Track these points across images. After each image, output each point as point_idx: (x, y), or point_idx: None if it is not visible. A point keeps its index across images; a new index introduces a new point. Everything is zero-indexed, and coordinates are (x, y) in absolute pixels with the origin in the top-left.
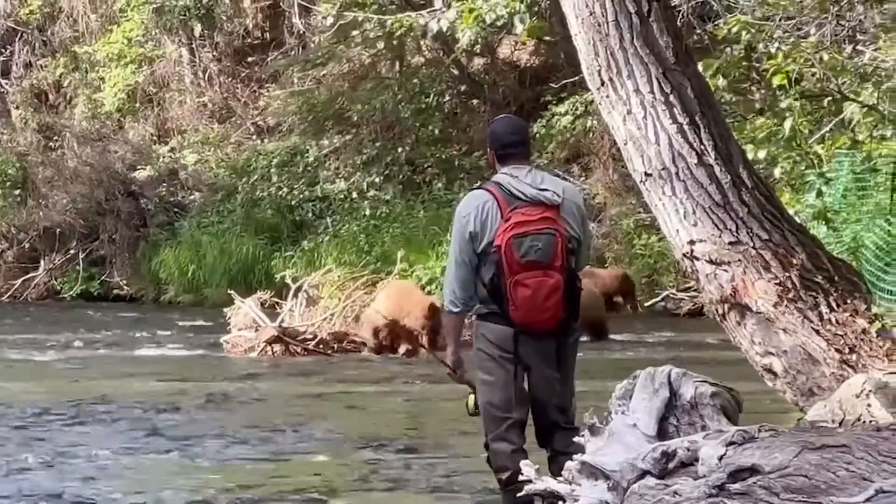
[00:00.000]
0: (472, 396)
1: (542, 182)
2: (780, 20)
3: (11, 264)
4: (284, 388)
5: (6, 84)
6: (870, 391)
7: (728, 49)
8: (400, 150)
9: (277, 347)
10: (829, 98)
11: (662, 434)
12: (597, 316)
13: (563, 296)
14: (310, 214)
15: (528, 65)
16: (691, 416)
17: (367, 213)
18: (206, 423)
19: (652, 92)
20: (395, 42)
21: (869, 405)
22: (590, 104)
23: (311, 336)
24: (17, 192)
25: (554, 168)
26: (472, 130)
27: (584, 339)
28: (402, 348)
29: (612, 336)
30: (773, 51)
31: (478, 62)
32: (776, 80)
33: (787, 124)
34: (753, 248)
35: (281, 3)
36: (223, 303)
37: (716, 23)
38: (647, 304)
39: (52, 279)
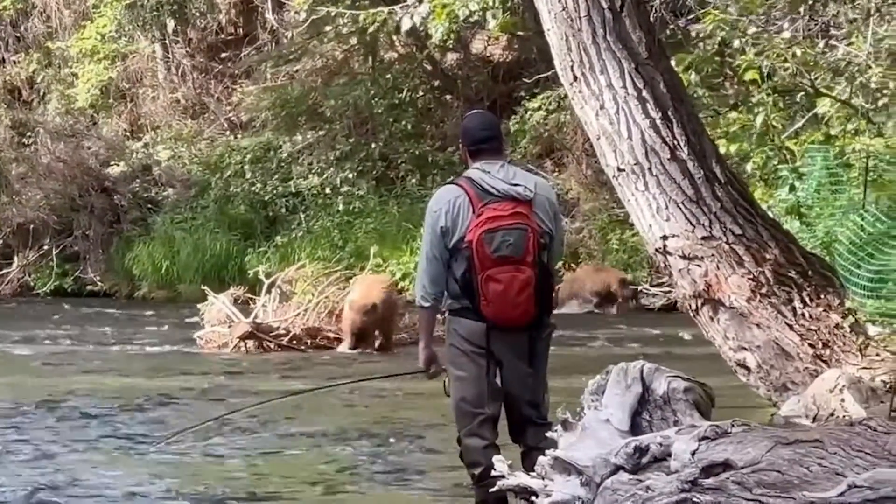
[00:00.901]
0: (447, 379)
1: (514, 177)
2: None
3: None
4: (258, 383)
5: None
6: (843, 386)
7: (701, 44)
8: (373, 145)
9: (251, 343)
10: (802, 93)
11: (635, 429)
12: None
13: (535, 291)
14: (283, 210)
15: (500, 60)
16: (664, 412)
17: (341, 208)
18: (179, 419)
19: (625, 87)
20: (368, 37)
21: (842, 400)
22: (563, 99)
23: (284, 332)
24: None
25: (526, 163)
26: (446, 126)
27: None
28: (376, 343)
29: (584, 332)
30: (745, 47)
31: (451, 57)
32: (748, 76)
33: (760, 119)
34: (726, 243)
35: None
36: (196, 299)
37: (689, 18)
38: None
39: (25, 275)
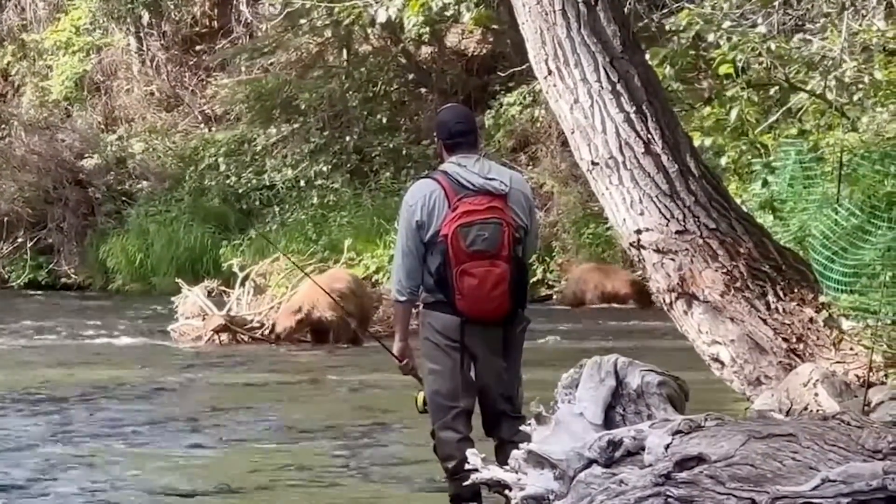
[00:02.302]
0: (421, 394)
1: (489, 171)
2: (727, 10)
3: None
4: (231, 376)
5: None
6: (817, 381)
7: (676, 38)
8: (348, 138)
9: (224, 336)
10: (776, 87)
11: (609, 423)
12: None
13: (510, 285)
14: (257, 203)
15: (475, 53)
16: (637, 405)
17: (315, 201)
18: (152, 411)
19: (599, 81)
20: (342, 30)
21: (816, 394)
22: (538, 93)
23: (258, 325)
24: None
25: (501, 157)
26: (420, 119)
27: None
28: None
29: (557, 325)
30: (720, 41)
31: (425, 51)
32: (723, 70)
33: (734, 113)
34: (700, 237)
35: None
36: (171, 291)
37: (663, 12)
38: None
39: None
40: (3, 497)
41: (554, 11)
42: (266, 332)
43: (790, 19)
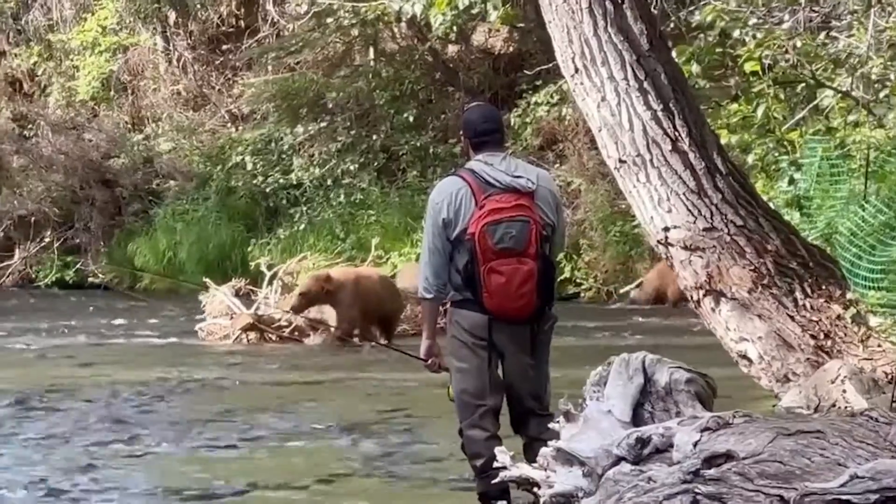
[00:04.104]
0: (450, 387)
1: (516, 169)
2: (753, 7)
3: None
4: (260, 375)
5: None
6: (845, 377)
7: (702, 36)
8: (375, 137)
9: (252, 335)
10: (803, 84)
11: (637, 420)
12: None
13: (538, 283)
14: (284, 202)
15: (501, 52)
16: (666, 403)
17: (342, 200)
18: (182, 411)
19: (626, 79)
20: (369, 29)
21: (844, 391)
22: (565, 92)
23: (286, 323)
24: None
25: (528, 155)
26: (447, 118)
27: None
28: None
29: (585, 323)
30: (746, 38)
31: (452, 49)
32: (749, 67)
33: (761, 111)
34: (728, 234)
35: None
36: (198, 290)
37: (690, 9)
38: (621, 291)
39: (26, 267)
40: (28, 493)
41: (581, 10)
42: (293, 331)
43: (816, 16)
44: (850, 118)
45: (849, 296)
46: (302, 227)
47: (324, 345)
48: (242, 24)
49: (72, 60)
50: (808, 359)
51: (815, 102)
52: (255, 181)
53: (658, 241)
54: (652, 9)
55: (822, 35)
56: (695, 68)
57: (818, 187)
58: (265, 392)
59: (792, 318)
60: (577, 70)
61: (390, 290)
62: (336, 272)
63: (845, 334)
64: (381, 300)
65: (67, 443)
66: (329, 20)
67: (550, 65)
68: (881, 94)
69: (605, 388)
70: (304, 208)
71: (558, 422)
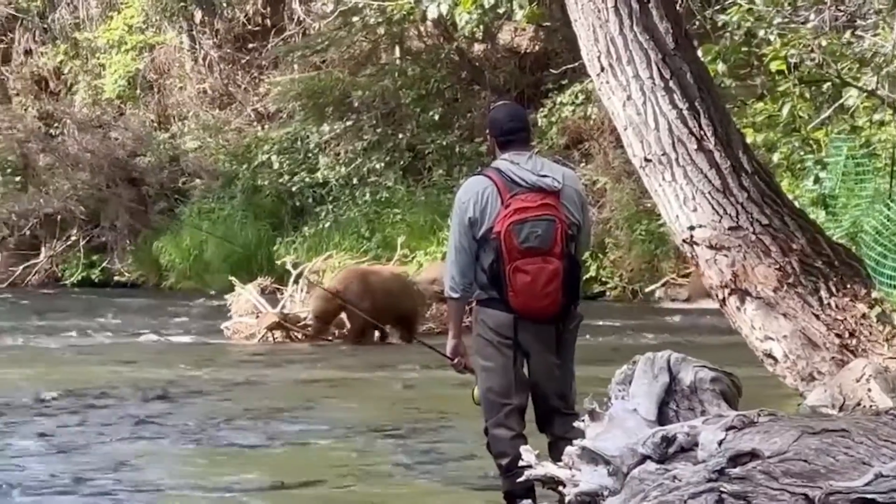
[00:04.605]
0: (476, 388)
1: (542, 168)
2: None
3: (12, 251)
4: (285, 374)
5: (6, 71)
6: (870, 376)
7: (728, 34)
8: (401, 135)
9: (278, 333)
10: (828, 83)
11: (662, 419)
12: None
13: (563, 282)
14: (310, 200)
15: (527, 51)
16: (691, 401)
17: (368, 198)
18: (207, 409)
19: (651, 77)
20: (395, 28)
21: (869, 390)
22: (590, 91)
23: (310, 322)
24: (17, 178)
25: (554, 154)
26: (473, 116)
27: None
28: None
29: (610, 322)
30: (771, 37)
31: (478, 48)
32: (774, 66)
33: (786, 110)
34: (753, 233)
35: None
36: (224, 289)
37: (716, 8)
38: (647, 290)
39: (53, 266)
40: (59, 490)
41: (607, 8)
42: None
43: (842, 15)
44: (876, 117)
45: (874, 295)
46: (328, 225)
47: (349, 343)
48: (268, 22)
49: (98, 59)
50: (833, 357)
51: (840, 101)
52: (280, 180)
53: (683, 240)
54: (678, 7)
55: (848, 34)
56: (720, 67)
57: (843, 186)
58: (291, 390)
59: (817, 316)
60: (602, 69)
61: (405, 288)
62: (339, 280)
63: (870, 333)
64: (392, 296)
65: (96, 441)
66: (355, 19)
67: (576, 63)
68: None
69: (630, 387)
70: (330, 207)
71: (583, 420)
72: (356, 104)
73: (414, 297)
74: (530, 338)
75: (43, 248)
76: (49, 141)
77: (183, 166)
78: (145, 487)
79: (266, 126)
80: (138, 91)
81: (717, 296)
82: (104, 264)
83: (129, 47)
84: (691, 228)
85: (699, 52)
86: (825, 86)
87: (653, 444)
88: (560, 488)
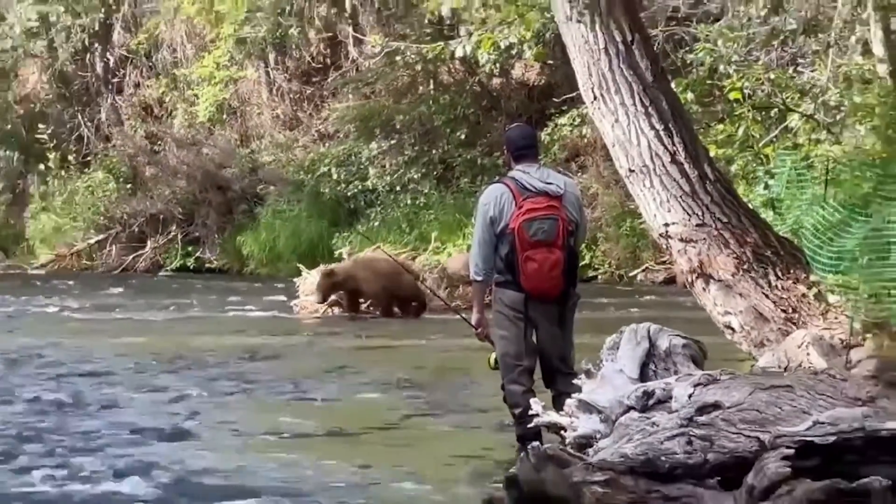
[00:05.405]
0: (492, 355)
1: (547, 177)
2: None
3: (124, 243)
4: (341, 341)
5: (119, 100)
6: (809, 343)
7: (695, 70)
8: (434, 151)
9: (336, 309)
10: (776, 109)
11: (643, 377)
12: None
13: (564, 268)
14: (362, 203)
15: (535, 83)
16: (666, 363)
17: (408, 202)
18: (280, 369)
19: (634, 105)
20: (429, 65)
21: (808, 354)
22: (585, 115)
23: (364, 300)
24: (128, 185)
25: (556, 166)
26: (492, 136)
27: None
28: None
29: (602, 300)
30: (730, 72)
31: (495, 81)
32: (733, 95)
33: (742, 130)
34: (715, 229)
35: (339, 35)
36: (293, 274)
37: (685, 49)
38: (630, 275)
39: (156, 255)
40: (164, 433)
41: (598, 50)
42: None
43: (786, 55)
44: (814, 136)
45: (812, 278)
46: (376, 223)
47: (394, 317)
48: (328, 61)
49: (192, 90)
50: (779, 328)
51: (785, 124)
52: (338, 187)
53: (660, 235)
54: (655, 49)
55: (791, 70)
56: (689, 96)
57: (787, 192)
58: (346, 354)
59: (767, 296)
60: (595, 97)
61: (401, 272)
62: (339, 266)
63: (809, 309)
64: (394, 278)
65: (192, 394)
66: (397, 58)
67: (574, 93)
68: (838, 118)
69: (617, 352)
70: (378, 208)
71: (580, 379)
72: (398, 126)
73: (410, 279)
74: (538, 313)
75: (148, 241)
76: (153, 156)
77: (260, 176)
78: (232, 430)
79: (326, 144)
80: (225, 116)
81: (686, 279)
82: (197, 254)
83: (218, 80)
84: (666, 225)
85: (672, 85)
86: (773, 111)
87: (636, 398)
88: (562, 432)
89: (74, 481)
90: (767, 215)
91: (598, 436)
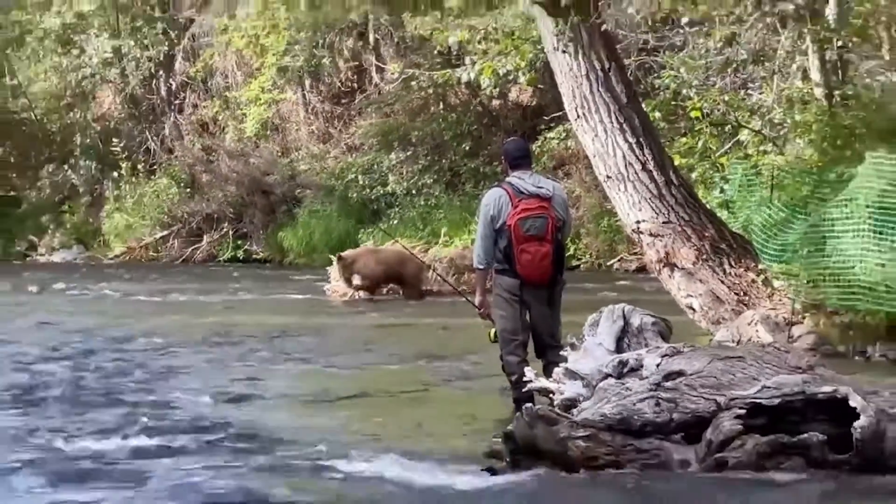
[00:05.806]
0: (492, 330)
1: (539, 182)
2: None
3: (184, 238)
4: (366, 320)
5: (181, 119)
6: (758, 321)
7: (662, 93)
8: (444, 161)
9: (363, 293)
10: (729, 125)
11: (619, 349)
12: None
13: (553, 259)
14: (384, 205)
15: (528, 104)
16: (638, 338)
17: (422, 204)
18: (314, 343)
19: (612, 122)
20: (439, 89)
21: (757, 331)
22: (569, 130)
23: (385, 285)
24: (188, 190)
25: (546, 173)
26: (492, 148)
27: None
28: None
29: (584, 285)
30: (691, 94)
31: (495, 102)
32: (693, 114)
33: (701, 143)
34: (679, 225)
35: (363, 64)
36: (326, 263)
37: (654, 76)
38: (608, 264)
39: (211, 248)
40: (212, 398)
41: (581, 75)
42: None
43: (738, 80)
44: (761, 148)
45: (760, 267)
46: (395, 221)
47: (413, 299)
48: (355, 85)
49: (241, 110)
50: (733, 309)
51: (737, 138)
52: (363, 191)
53: (632, 230)
54: (628, 75)
55: (742, 92)
56: (657, 114)
57: (739, 194)
58: (370, 331)
59: (722, 281)
60: (578, 116)
61: (402, 259)
62: (348, 252)
63: (758, 292)
64: (394, 266)
65: (237, 365)
66: (413, 83)
67: (560, 112)
68: (781, 133)
69: (597, 328)
70: (396, 209)
71: (566, 351)
72: (413, 140)
73: (410, 265)
74: (531, 296)
75: (204, 236)
76: (209, 165)
77: (298, 182)
78: (276, 394)
79: (353, 155)
80: (268, 131)
81: (655, 268)
82: (245, 247)
83: (262, 102)
84: (638, 222)
85: (643, 105)
86: (727, 127)
87: (613, 366)
88: (550, 396)
89: (161, 435)
90: (723, 214)
91: (581, 399)
